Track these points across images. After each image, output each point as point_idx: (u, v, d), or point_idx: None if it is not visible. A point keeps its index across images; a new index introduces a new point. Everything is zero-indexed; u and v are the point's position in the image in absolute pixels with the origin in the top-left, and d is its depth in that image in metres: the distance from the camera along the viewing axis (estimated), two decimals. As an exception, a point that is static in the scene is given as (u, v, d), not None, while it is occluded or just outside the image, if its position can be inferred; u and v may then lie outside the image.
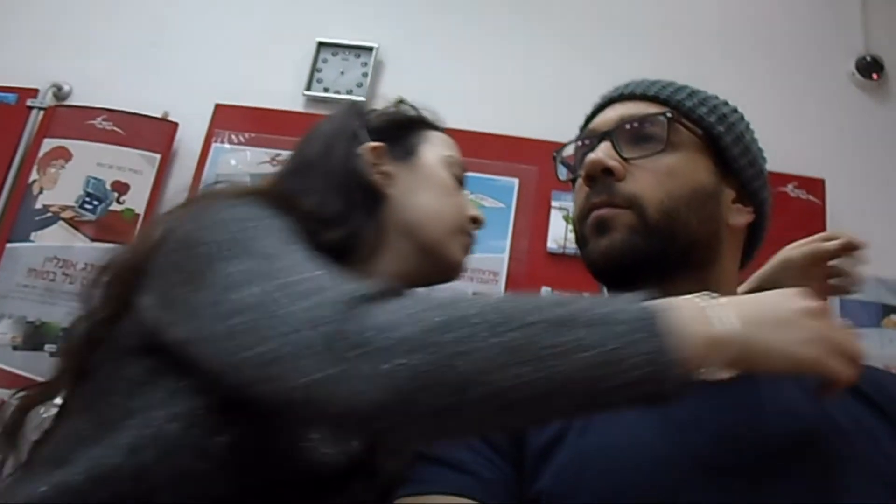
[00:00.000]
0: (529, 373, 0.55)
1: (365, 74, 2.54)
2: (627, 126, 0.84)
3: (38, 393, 0.84)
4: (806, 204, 2.26)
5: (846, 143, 2.42)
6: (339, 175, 0.94)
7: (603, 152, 0.82)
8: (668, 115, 0.83)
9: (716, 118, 0.86)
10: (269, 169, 2.32)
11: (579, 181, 0.86)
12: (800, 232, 2.11)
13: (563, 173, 0.93)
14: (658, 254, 0.79)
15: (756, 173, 0.88)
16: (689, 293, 0.65)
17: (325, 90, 2.52)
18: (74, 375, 0.80)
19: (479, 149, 2.18)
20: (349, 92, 2.52)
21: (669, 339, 0.57)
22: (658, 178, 0.81)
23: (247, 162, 2.38)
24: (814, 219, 2.23)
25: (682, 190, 0.81)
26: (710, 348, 0.60)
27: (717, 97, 0.90)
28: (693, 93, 0.88)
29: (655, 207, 0.80)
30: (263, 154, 2.38)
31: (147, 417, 0.70)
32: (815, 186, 2.28)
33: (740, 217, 0.86)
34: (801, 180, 2.29)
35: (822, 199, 2.26)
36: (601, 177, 0.82)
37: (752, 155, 0.88)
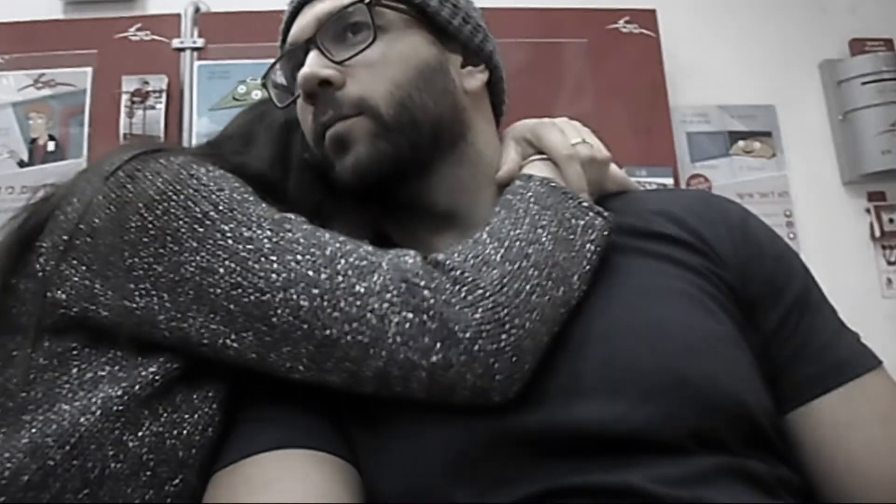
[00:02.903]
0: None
1: (132, -36, 2.30)
2: (328, 27, 0.80)
3: None
4: (640, 39, 2.25)
5: None
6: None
7: (314, 63, 0.79)
8: (366, 0, 0.79)
9: None
10: (35, 93, 2.12)
11: (300, 102, 0.82)
12: (637, 70, 2.18)
13: (279, 98, 0.88)
14: (408, 150, 0.79)
15: (473, 28, 0.88)
16: (455, 173, 0.83)
17: None
18: None
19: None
20: None
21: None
22: (378, 71, 0.79)
23: (9, 89, 2.14)
24: (649, 53, 2.24)
25: (407, 74, 0.80)
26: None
27: None
28: None
29: (387, 103, 0.78)
30: (25, 77, 2.14)
31: (51, 411, 0.65)
32: (648, 19, 2.27)
33: (474, 80, 0.87)
34: (632, 14, 2.27)
35: (656, 31, 2.26)
36: (320, 91, 0.79)
37: (463, 11, 0.87)
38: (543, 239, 0.72)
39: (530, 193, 0.77)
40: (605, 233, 0.77)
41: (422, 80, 0.80)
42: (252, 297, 0.66)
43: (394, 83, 0.79)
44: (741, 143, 2.28)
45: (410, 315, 0.65)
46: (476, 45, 0.88)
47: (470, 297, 0.66)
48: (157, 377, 0.68)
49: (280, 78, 0.88)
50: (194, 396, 0.70)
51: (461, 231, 0.81)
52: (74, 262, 0.69)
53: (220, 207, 0.69)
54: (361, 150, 0.78)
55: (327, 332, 0.65)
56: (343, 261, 0.67)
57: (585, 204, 0.78)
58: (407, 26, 0.82)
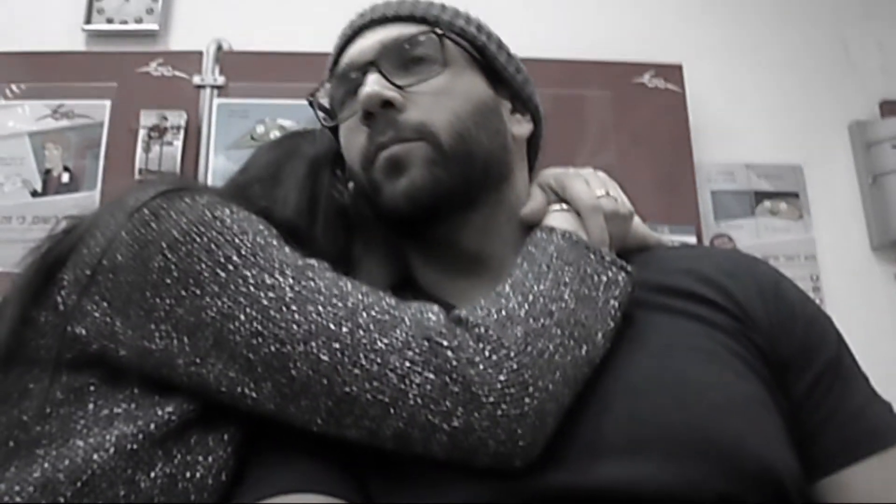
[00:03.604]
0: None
1: (155, -1, 2.34)
2: (392, 52, 0.82)
3: None
4: (665, 93, 2.25)
5: (701, 22, 2.43)
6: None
7: (377, 84, 0.80)
8: (438, 31, 0.83)
9: (476, 29, 0.88)
10: (52, 123, 2.13)
11: (349, 124, 0.84)
12: (663, 124, 2.17)
13: (324, 119, 0.90)
14: (461, 181, 0.80)
15: (525, 79, 0.92)
16: (492, 214, 0.85)
17: (109, 21, 2.30)
18: None
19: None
20: (138, 21, 2.30)
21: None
22: (441, 100, 0.81)
23: (26, 118, 2.15)
24: (674, 108, 2.24)
25: (466, 108, 0.82)
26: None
27: (458, 8, 0.90)
28: (443, 6, 0.88)
29: (447, 132, 0.80)
30: (43, 107, 2.15)
31: (65, 446, 0.64)
32: (674, 73, 2.27)
33: (521, 127, 0.90)
34: (657, 68, 2.27)
35: (682, 86, 2.26)
36: (381, 112, 0.79)
37: (516, 61, 0.91)
38: (566, 296, 0.72)
39: (552, 247, 0.77)
40: (629, 289, 0.77)
41: (479, 116, 0.83)
42: (272, 348, 0.66)
43: (455, 114, 0.81)
44: (767, 203, 2.26)
45: (432, 376, 0.64)
46: (526, 95, 0.91)
47: (494, 357, 0.65)
48: (173, 417, 0.68)
49: (327, 99, 0.89)
50: (209, 439, 0.69)
51: (485, 276, 0.82)
52: (96, 297, 0.70)
53: (244, 252, 0.69)
54: (417, 174, 0.79)
55: (347, 388, 0.65)
56: (365, 314, 0.67)
57: (608, 259, 0.78)
58: (467, 64, 0.85)
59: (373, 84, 0.79)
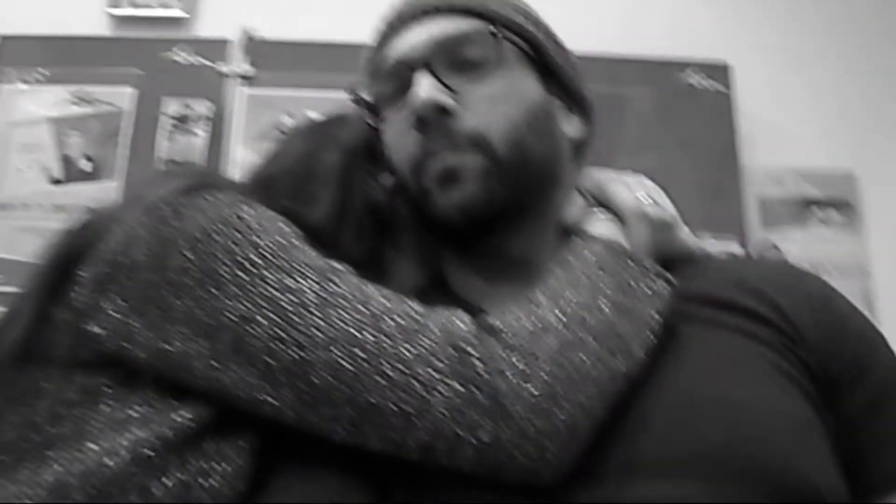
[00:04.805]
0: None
1: (181, -20, 2.36)
2: (446, 50, 0.81)
3: None
4: (711, 94, 2.22)
5: (751, 20, 2.38)
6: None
7: (431, 87, 0.78)
8: (493, 30, 0.81)
9: (533, 25, 0.86)
10: (74, 109, 2.13)
11: (397, 125, 0.82)
12: (708, 126, 2.13)
13: (368, 117, 0.87)
14: (516, 192, 0.79)
15: (578, 76, 0.90)
16: (540, 220, 0.83)
17: (134, 5, 2.30)
18: None
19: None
20: (164, 6, 2.30)
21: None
22: (497, 106, 0.80)
23: (45, 103, 2.16)
24: (720, 110, 2.21)
25: (521, 112, 0.81)
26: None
27: None
28: None
29: (503, 141, 0.79)
30: (65, 92, 2.16)
31: (78, 449, 0.64)
32: (721, 73, 2.24)
33: (573, 127, 0.89)
34: (704, 67, 2.24)
35: (729, 86, 2.23)
36: (434, 117, 0.78)
37: (568, 55, 0.90)
38: (604, 306, 0.71)
39: (592, 255, 0.76)
40: (671, 300, 0.75)
41: (535, 121, 0.82)
42: (292, 353, 0.65)
43: (511, 121, 0.80)
44: (818, 211, 2.22)
45: (459, 386, 0.64)
46: (579, 93, 0.90)
47: (525, 368, 0.65)
48: (189, 423, 0.67)
49: (371, 94, 0.87)
50: (226, 446, 0.69)
51: (525, 281, 0.80)
52: (113, 296, 0.70)
53: (265, 253, 0.69)
54: (471, 186, 0.78)
55: (370, 398, 0.64)
56: (390, 320, 0.67)
57: (650, 268, 0.77)
58: (521, 63, 0.84)
59: (427, 88, 0.78)
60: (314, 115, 0.91)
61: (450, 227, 0.81)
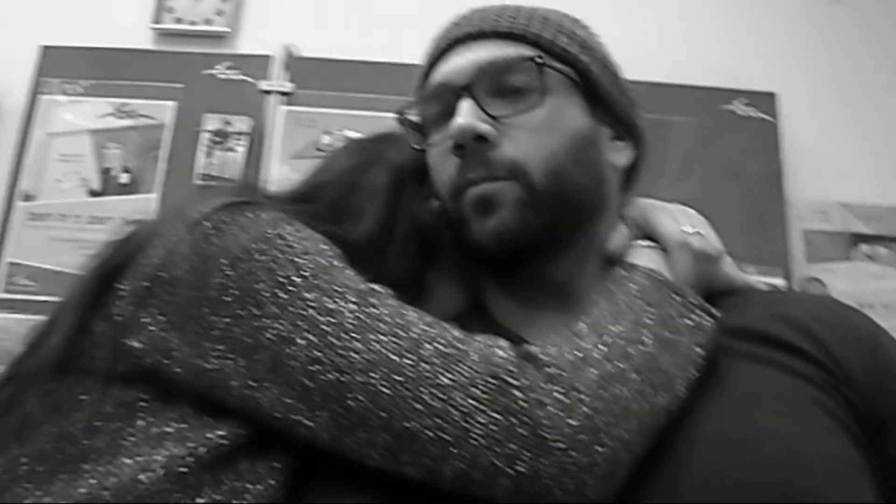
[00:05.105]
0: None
1: (225, -1, 2.39)
2: (488, 77, 0.80)
3: None
4: (757, 123, 2.20)
5: (799, 48, 2.36)
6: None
7: (471, 115, 0.78)
8: (539, 59, 0.80)
9: (578, 47, 0.84)
10: (114, 122, 2.16)
11: (440, 149, 0.82)
12: (753, 156, 2.09)
13: (415, 140, 0.87)
14: (553, 223, 0.79)
15: (629, 102, 0.89)
16: (582, 250, 0.82)
17: (178, 21, 2.33)
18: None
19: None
20: (207, 22, 2.33)
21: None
22: (537, 135, 0.79)
23: (86, 115, 2.20)
24: (766, 139, 2.18)
25: (563, 143, 0.80)
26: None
27: (564, 15, 0.87)
28: (546, 19, 0.85)
29: (541, 171, 0.78)
30: (106, 105, 2.20)
31: (112, 463, 0.65)
32: (767, 102, 2.22)
33: (621, 156, 0.88)
34: (750, 95, 2.22)
35: (776, 116, 2.21)
36: (472, 145, 0.78)
37: (619, 80, 0.88)
38: (646, 339, 0.70)
39: (635, 286, 0.75)
40: (714, 334, 0.74)
41: (577, 151, 0.81)
42: (330, 376, 0.65)
43: (550, 151, 0.79)
44: (865, 247, 2.18)
45: (498, 416, 0.63)
46: (629, 119, 0.88)
47: (565, 400, 0.64)
48: (224, 441, 0.68)
49: (417, 116, 0.87)
50: (260, 466, 0.69)
51: (568, 310, 0.80)
52: (153, 310, 0.70)
53: (305, 273, 0.69)
54: (507, 216, 0.78)
55: (406, 424, 0.64)
56: (429, 346, 0.66)
57: (693, 301, 0.75)
58: (567, 91, 0.83)
59: (466, 115, 0.78)
60: (352, 133, 0.91)
61: (486, 255, 0.80)
